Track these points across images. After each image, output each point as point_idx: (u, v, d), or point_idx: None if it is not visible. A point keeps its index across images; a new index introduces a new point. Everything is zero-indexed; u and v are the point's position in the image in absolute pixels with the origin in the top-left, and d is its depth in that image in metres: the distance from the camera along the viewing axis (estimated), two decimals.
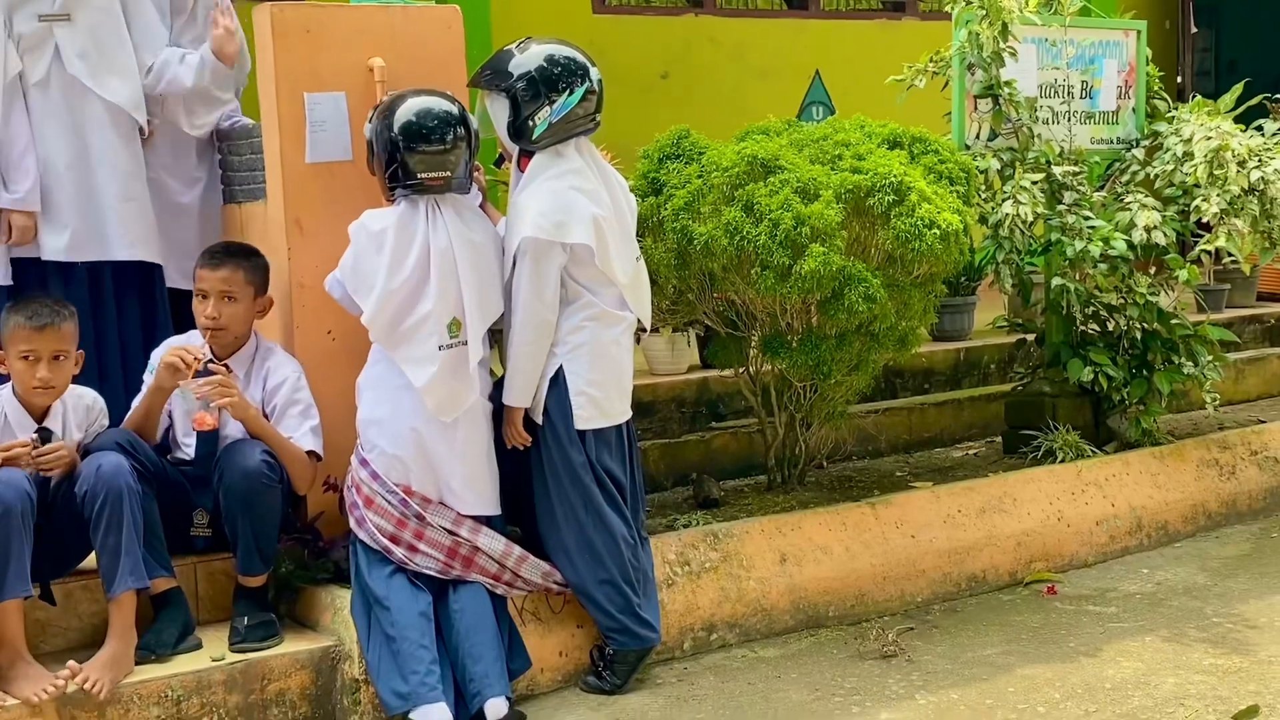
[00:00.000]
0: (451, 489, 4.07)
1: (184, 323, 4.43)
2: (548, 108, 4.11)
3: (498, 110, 4.22)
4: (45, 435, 3.92)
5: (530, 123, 4.14)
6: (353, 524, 4.07)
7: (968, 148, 5.66)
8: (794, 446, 5.36)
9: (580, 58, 4.22)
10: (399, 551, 4.00)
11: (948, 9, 5.72)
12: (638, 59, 8.34)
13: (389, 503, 4.01)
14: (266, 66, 4.36)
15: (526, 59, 4.17)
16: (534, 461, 4.22)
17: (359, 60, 4.37)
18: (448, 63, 4.51)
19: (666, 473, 5.73)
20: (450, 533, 4.04)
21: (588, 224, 4.09)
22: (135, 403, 4.17)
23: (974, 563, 5.11)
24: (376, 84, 4.33)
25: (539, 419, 4.19)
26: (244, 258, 4.25)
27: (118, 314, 4.66)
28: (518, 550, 4.13)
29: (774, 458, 5.40)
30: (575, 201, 4.10)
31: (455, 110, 4.08)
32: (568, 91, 4.13)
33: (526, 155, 4.22)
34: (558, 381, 4.16)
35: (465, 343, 4.04)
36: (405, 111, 4.02)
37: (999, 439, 6.24)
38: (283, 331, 4.39)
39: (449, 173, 4.02)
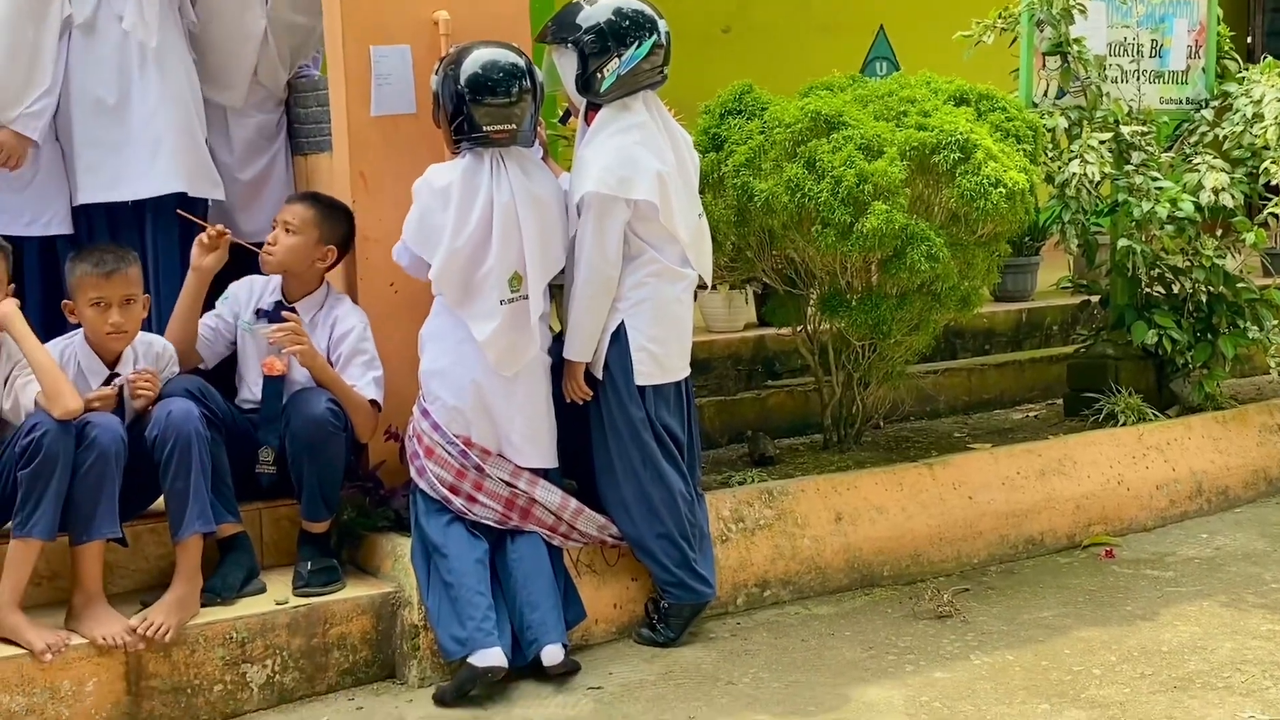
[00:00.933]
0: (510, 441, 4.11)
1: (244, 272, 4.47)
2: (615, 60, 4.10)
3: (565, 64, 4.20)
4: (112, 382, 3.99)
5: (598, 76, 4.12)
6: (413, 473, 4.12)
7: (1035, 105, 5.60)
8: (851, 406, 5.35)
9: (648, 10, 4.19)
10: (458, 501, 4.05)
11: None
12: (699, 12, 8.26)
13: (449, 453, 4.05)
14: (333, 19, 4.38)
15: (595, 11, 4.15)
16: (593, 416, 4.25)
17: (424, 13, 4.38)
18: (512, 16, 4.51)
19: (722, 430, 5.74)
20: (508, 484, 4.08)
21: (652, 180, 4.08)
22: (178, 307, 4.24)
23: (1032, 525, 5.10)
24: (441, 37, 4.35)
25: (599, 374, 4.21)
26: (323, 204, 4.32)
27: (166, 255, 4.69)
28: (574, 503, 4.17)
29: (830, 417, 5.40)
30: (640, 157, 4.09)
31: (522, 63, 4.07)
32: (635, 44, 4.11)
33: (593, 109, 4.20)
34: (619, 337, 4.16)
35: (526, 296, 4.05)
36: (472, 63, 4.01)
37: (1060, 401, 6.20)
38: (346, 284, 4.43)
39: (514, 125, 4.02)
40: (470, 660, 3.87)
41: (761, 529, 4.60)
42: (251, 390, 4.29)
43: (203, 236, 4.19)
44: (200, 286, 4.22)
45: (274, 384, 4.19)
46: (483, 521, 4.08)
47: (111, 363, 4.02)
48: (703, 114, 5.10)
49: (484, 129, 4.00)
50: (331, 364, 4.21)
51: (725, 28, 8.53)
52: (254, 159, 4.86)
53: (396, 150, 4.36)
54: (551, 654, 3.95)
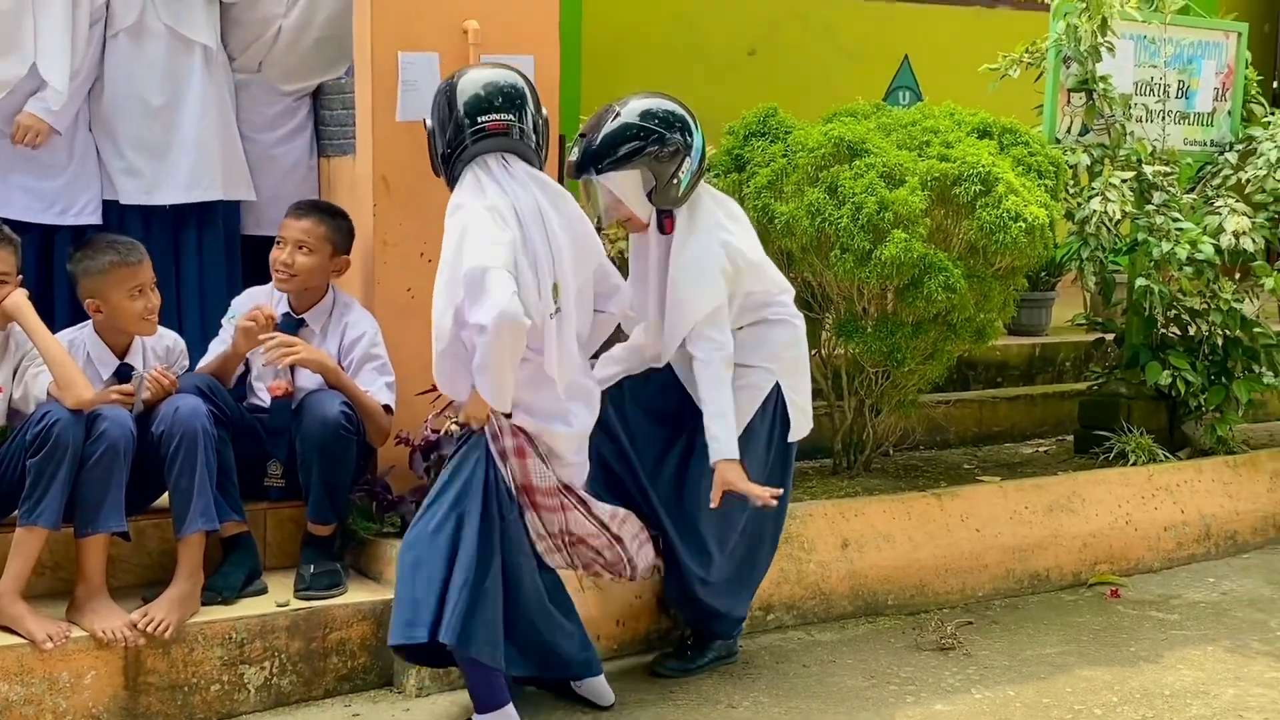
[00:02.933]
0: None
1: (265, 270, 4.48)
2: (686, 159, 3.87)
3: (628, 184, 3.86)
4: (125, 371, 4.00)
5: (674, 181, 3.86)
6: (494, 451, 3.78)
7: (1058, 141, 5.59)
8: (862, 432, 5.34)
9: (668, 101, 3.96)
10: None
11: (1046, 0, 5.64)
12: (726, 34, 8.30)
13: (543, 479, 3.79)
14: (363, 23, 4.39)
15: (640, 122, 3.86)
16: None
17: (454, 22, 4.38)
18: (541, 28, 4.51)
19: None
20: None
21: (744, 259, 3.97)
22: (210, 354, 4.24)
23: (1038, 561, 5.07)
24: (470, 47, 4.35)
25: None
26: (328, 215, 4.29)
27: (198, 256, 4.74)
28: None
29: (841, 442, 5.38)
30: (738, 252, 3.94)
31: (520, 81, 3.78)
32: (692, 134, 3.90)
33: (667, 215, 3.94)
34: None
35: (560, 309, 3.71)
36: (463, 81, 3.76)
37: (1070, 438, 6.18)
38: (363, 287, 4.43)
39: (511, 119, 3.68)
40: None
41: None
42: (260, 397, 4.29)
43: (257, 321, 4.06)
44: (237, 363, 4.20)
45: (282, 403, 4.19)
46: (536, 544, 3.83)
47: (121, 353, 4.03)
48: (726, 135, 5.10)
49: (478, 121, 3.66)
50: (343, 369, 4.20)
51: (751, 50, 8.55)
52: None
53: (420, 157, 4.32)
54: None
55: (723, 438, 3.86)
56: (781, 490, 4.00)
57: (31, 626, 3.62)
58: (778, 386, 4.05)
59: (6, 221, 4.37)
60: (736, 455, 3.86)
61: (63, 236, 4.57)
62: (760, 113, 5.08)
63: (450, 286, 3.54)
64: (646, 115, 3.88)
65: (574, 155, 3.87)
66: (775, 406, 4.06)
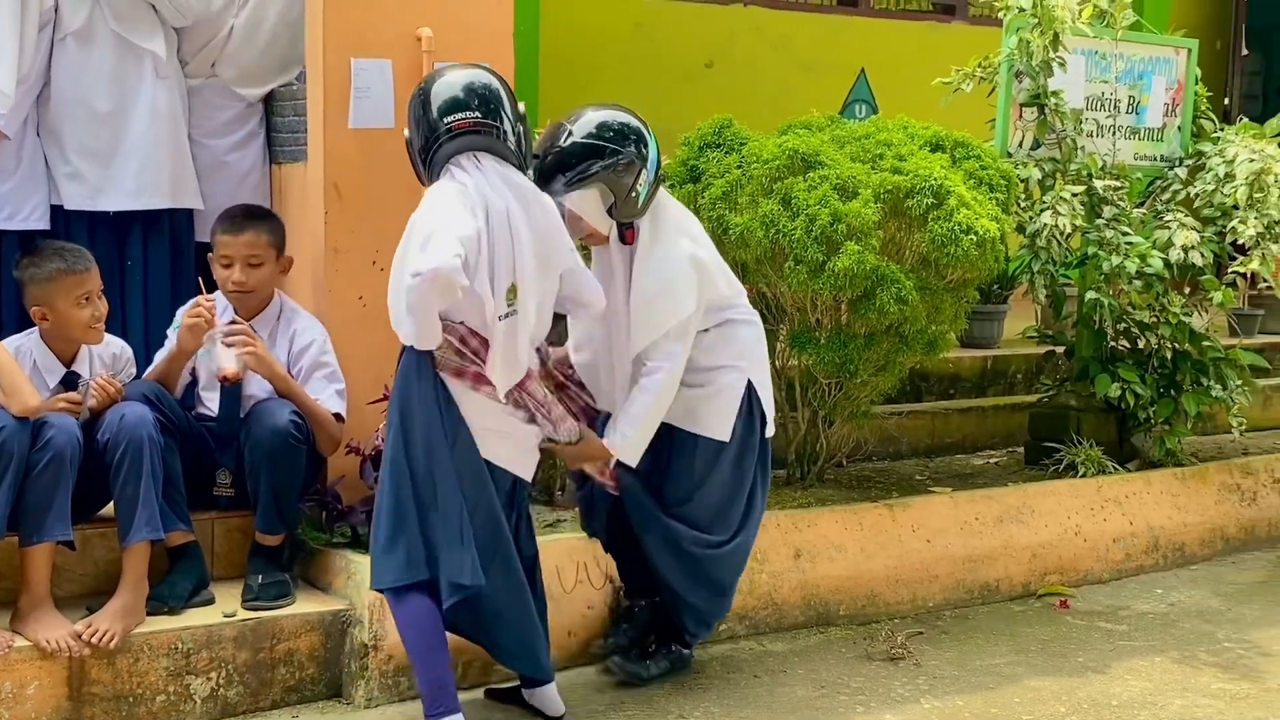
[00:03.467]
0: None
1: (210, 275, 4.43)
2: (643, 171, 3.88)
3: (587, 202, 3.87)
4: (72, 379, 3.96)
5: (633, 195, 3.88)
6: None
7: (1010, 155, 5.63)
8: (815, 443, 5.36)
9: (622, 113, 3.94)
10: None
11: (999, 14, 5.69)
12: (684, 46, 8.32)
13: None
14: (315, 28, 4.37)
15: (594, 138, 3.85)
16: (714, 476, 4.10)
17: (408, 29, 4.37)
18: (496, 33, 4.51)
19: None
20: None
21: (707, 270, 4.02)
22: (156, 360, 4.19)
23: (988, 571, 5.10)
24: (424, 54, 4.34)
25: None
26: (262, 220, 4.28)
27: (144, 263, 4.69)
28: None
29: (794, 453, 5.40)
30: (703, 264, 3.98)
31: (495, 82, 3.72)
32: (647, 146, 3.90)
33: (627, 227, 3.95)
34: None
35: (518, 312, 3.65)
36: (437, 82, 3.71)
37: (1021, 449, 6.21)
38: (314, 295, 4.41)
39: (480, 116, 3.62)
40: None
41: None
42: (208, 407, 4.25)
43: (202, 315, 4.02)
44: (183, 363, 4.15)
45: (231, 399, 4.15)
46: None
47: (68, 361, 3.99)
48: (682, 146, 5.11)
49: (444, 120, 3.61)
50: (292, 377, 4.17)
51: (709, 62, 8.57)
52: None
53: (372, 164, 4.35)
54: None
55: (629, 435, 3.89)
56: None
57: None
58: (750, 385, 4.06)
59: None
60: (620, 455, 3.90)
61: (10, 241, 4.51)
62: (715, 124, 5.09)
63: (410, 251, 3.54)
64: (600, 130, 3.87)
65: (530, 176, 3.82)
66: (753, 405, 4.07)
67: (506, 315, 3.61)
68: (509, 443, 3.76)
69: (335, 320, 4.32)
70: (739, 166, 4.82)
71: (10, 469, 3.60)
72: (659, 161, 3.96)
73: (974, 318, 6.47)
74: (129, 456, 3.76)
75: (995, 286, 6.83)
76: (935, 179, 4.69)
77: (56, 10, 4.51)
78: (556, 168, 3.86)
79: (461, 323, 3.61)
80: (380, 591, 3.71)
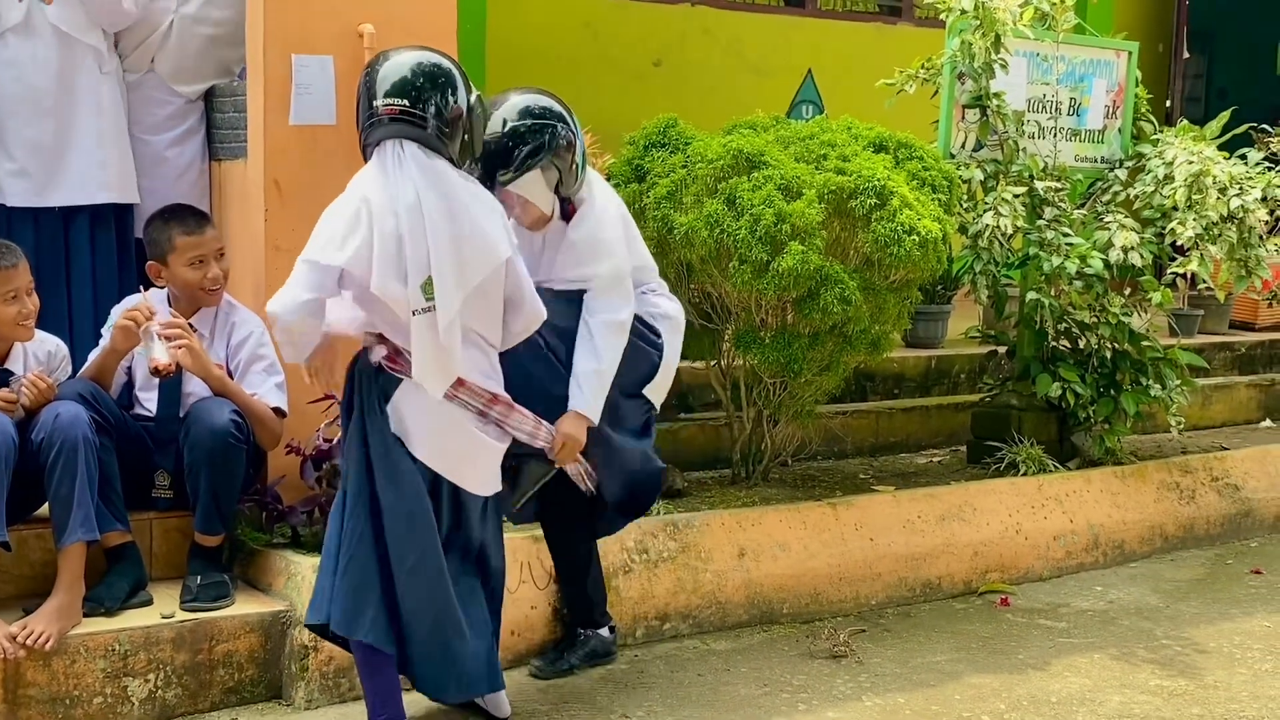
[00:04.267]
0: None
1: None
2: (577, 144, 3.92)
3: (534, 185, 3.87)
4: (4, 377, 3.91)
5: (572, 171, 3.92)
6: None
7: (953, 156, 5.67)
8: (760, 442, 5.37)
9: (539, 94, 3.97)
10: None
11: (943, 17, 5.72)
12: (632, 45, 8.32)
13: None
14: (256, 25, 4.33)
15: (526, 121, 3.85)
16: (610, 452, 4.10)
17: (350, 25, 4.35)
18: (439, 33, 4.47)
19: None
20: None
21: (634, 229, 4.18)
22: (90, 358, 4.14)
23: (930, 569, 5.14)
24: (365, 50, 4.31)
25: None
26: (208, 217, 4.29)
27: (91, 258, 4.64)
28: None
29: (739, 452, 5.41)
30: (630, 221, 4.13)
31: (434, 64, 3.59)
32: (573, 123, 3.94)
33: (569, 203, 3.98)
34: None
35: (434, 307, 3.50)
36: (381, 65, 3.60)
37: (964, 448, 6.26)
38: (254, 293, 4.37)
39: (407, 102, 3.51)
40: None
41: (665, 561, 4.59)
42: (146, 408, 4.21)
43: (135, 320, 3.95)
44: (116, 361, 4.10)
45: (169, 397, 4.11)
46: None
47: (1, 358, 3.94)
48: (627, 145, 5.11)
49: (373, 105, 3.53)
50: (231, 373, 4.14)
51: (657, 61, 8.58)
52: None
53: (313, 161, 4.31)
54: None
55: (589, 393, 3.88)
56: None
57: None
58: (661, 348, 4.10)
59: None
60: (594, 419, 3.89)
61: None
62: (660, 123, 5.10)
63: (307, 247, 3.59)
64: (534, 113, 3.87)
65: (473, 169, 3.79)
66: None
67: (423, 310, 3.47)
68: (462, 455, 3.69)
69: None
70: (684, 166, 4.83)
71: None
72: (580, 134, 4.00)
73: (918, 318, 6.51)
74: (63, 456, 3.71)
75: (939, 287, 6.88)
76: (879, 179, 4.72)
77: None
78: (499, 158, 3.83)
79: (381, 336, 3.58)
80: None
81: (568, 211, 3.97)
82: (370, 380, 3.64)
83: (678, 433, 5.89)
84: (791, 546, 4.85)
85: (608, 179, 4.83)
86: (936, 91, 5.82)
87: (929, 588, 5.13)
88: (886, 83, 5.89)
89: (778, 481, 5.48)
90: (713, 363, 5.31)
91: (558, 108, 3.94)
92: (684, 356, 5.55)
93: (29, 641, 3.61)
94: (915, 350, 7.11)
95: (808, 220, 4.60)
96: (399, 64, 3.60)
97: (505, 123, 3.86)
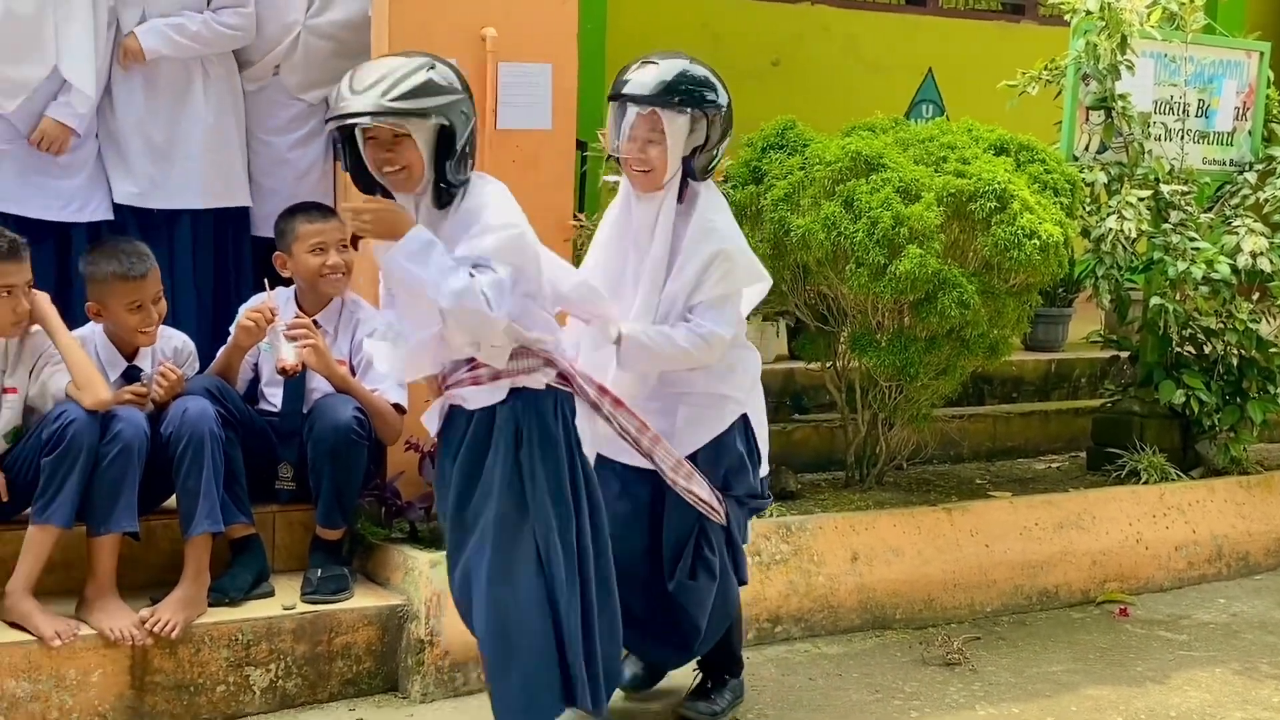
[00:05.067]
0: None
1: (270, 270, 4.46)
2: (726, 141, 3.70)
3: (680, 129, 3.57)
4: (134, 373, 4.03)
5: (716, 153, 3.66)
6: None
7: (1076, 159, 5.58)
8: (874, 445, 5.34)
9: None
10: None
11: (1067, 17, 5.63)
12: (750, 44, 8.32)
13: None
14: (381, 29, 4.41)
15: (721, 88, 3.65)
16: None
17: (473, 29, 4.41)
18: (559, 36, 4.54)
19: None
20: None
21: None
22: (218, 355, 4.26)
23: (1047, 577, 5.06)
24: (488, 54, 4.37)
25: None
26: (334, 212, 4.34)
27: (193, 260, 4.76)
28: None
29: (853, 455, 5.38)
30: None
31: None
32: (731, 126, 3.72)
33: (686, 186, 3.67)
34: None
35: None
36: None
37: (1083, 454, 6.16)
38: (373, 288, 4.44)
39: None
40: None
41: (777, 564, 4.59)
42: (271, 403, 4.32)
43: (256, 322, 4.04)
44: (240, 357, 4.21)
45: (293, 393, 4.21)
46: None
47: (130, 355, 4.06)
48: (745, 146, 5.11)
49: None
50: (354, 370, 4.23)
51: (775, 61, 8.56)
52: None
53: None
54: None
55: (642, 331, 3.56)
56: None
57: (40, 623, 3.65)
58: (746, 419, 3.78)
59: (24, 220, 4.43)
60: (623, 345, 3.53)
61: (79, 233, 4.60)
62: (779, 125, 5.09)
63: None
64: (716, 77, 3.65)
65: (640, 75, 3.56)
66: (749, 440, 3.79)
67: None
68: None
69: None
70: (802, 168, 4.82)
71: (79, 462, 3.68)
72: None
73: (1038, 321, 6.44)
74: (191, 450, 3.82)
75: (1060, 290, 6.78)
76: (999, 183, 4.66)
77: (115, 11, 4.59)
78: (674, 83, 3.55)
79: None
80: None
81: (683, 193, 3.68)
82: (532, 414, 3.34)
83: (791, 433, 5.89)
84: (905, 551, 4.82)
85: (724, 181, 4.85)
86: (1060, 92, 5.73)
87: (1046, 596, 5.06)
88: (1009, 84, 5.81)
89: (892, 485, 5.44)
90: (828, 364, 5.29)
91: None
92: (799, 357, 5.62)
93: (156, 629, 3.73)
94: (1035, 354, 7.01)
95: (926, 223, 4.56)
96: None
97: (695, 63, 3.65)
